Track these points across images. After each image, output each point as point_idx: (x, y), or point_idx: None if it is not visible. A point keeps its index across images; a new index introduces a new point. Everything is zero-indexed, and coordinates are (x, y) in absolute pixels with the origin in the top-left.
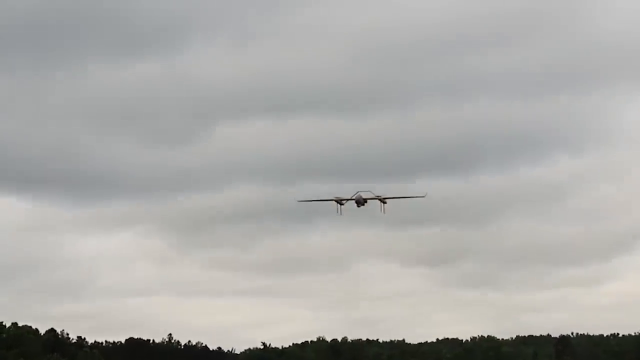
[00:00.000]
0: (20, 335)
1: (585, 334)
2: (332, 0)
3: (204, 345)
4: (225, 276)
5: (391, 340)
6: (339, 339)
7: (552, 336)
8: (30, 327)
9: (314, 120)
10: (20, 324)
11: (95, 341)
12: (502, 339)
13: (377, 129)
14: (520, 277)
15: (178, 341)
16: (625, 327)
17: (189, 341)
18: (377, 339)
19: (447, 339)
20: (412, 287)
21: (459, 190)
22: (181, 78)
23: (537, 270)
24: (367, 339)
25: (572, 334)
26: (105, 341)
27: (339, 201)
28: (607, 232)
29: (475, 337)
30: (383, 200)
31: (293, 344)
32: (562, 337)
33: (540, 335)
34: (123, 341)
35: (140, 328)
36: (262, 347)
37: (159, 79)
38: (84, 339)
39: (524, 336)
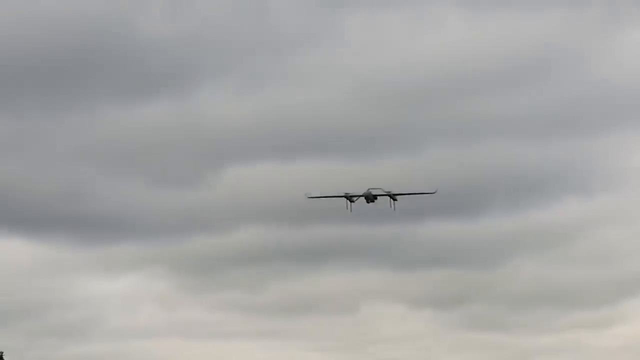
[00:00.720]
0: None
1: None
2: (340, 42)
3: None
4: (233, 319)
5: None
6: None
7: None
8: None
9: (322, 163)
10: None
11: None
12: None
13: (385, 171)
14: (529, 320)
15: None
16: None
17: None
18: None
19: None
20: (421, 329)
21: (467, 233)
22: (190, 120)
23: (546, 313)
24: None
25: None
26: None
27: (349, 198)
28: (616, 275)
29: None
30: (393, 197)
31: None
32: None
33: None
34: None
35: None
36: None
37: (167, 121)
38: None
39: None
